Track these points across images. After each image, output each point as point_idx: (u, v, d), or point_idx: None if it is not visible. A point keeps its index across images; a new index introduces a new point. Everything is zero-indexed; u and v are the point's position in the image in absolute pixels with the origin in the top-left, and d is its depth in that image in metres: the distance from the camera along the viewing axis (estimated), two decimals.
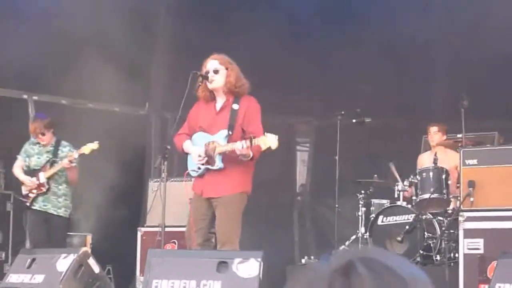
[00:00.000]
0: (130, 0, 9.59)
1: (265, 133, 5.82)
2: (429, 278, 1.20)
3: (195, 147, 6.25)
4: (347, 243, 8.68)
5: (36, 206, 7.87)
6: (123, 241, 9.03)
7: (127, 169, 9.46)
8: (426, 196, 7.95)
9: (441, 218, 8.02)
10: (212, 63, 6.23)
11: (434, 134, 8.76)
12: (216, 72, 6.21)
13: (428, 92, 10.32)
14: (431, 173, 8.08)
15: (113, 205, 9.28)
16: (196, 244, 6.16)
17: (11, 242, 8.97)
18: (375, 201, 8.70)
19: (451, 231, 7.71)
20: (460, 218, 6.71)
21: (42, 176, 7.86)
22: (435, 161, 8.09)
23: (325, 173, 9.67)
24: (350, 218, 8.88)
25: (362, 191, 8.74)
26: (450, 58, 10.08)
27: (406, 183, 8.34)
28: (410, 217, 8.02)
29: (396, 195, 8.41)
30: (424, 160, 8.76)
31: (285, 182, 10.85)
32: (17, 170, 8.02)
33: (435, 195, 7.92)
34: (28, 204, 7.89)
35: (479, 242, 6.53)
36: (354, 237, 8.66)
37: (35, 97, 9.80)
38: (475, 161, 6.75)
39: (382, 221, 8.22)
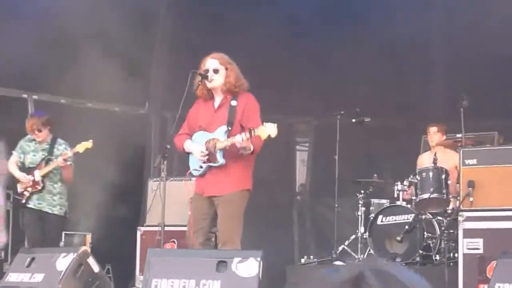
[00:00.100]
0: (130, 0, 9.59)
1: (264, 123, 5.83)
2: (430, 280, 1.21)
3: (196, 145, 6.26)
4: (346, 242, 8.68)
5: (31, 204, 7.85)
6: (123, 241, 9.03)
7: (126, 169, 9.46)
8: (426, 196, 7.95)
9: (440, 218, 8.03)
10: (211, 62, 6.23)
11: (434, 134, 8.76)
12: (216, 71, 6.21)
13: (428, 92, 10.33)
14: (430, 173, 8.08)
15: (112, 204, 9.28)
16: (197, 243, 6.15)
17: (11, 241, 8.96)
18: (374, 200, 8.71)
19: (451, 231, 7.71)
20: (460, 218, 6.71)
21: (37, 174, 7.85)
22: (434, 161, 8.09)
23: (325, 172, 9.68)
24: (350, 217, 8.88)
25: (362, 191, 8.74)
26: (449, 58, 10.09)
27: (405, 183, 8.34)
28: (409, 217, 8.02)
29: (395, 195, 8.41)
30: (424, 160, 8.76)
31: (285, 182, 10.85)
32: (12, 166, 7.97)
33: (434, 195, 7.92)
34: (23, 202, 7.88)
35: (479, 242, 6.53)
36: (353, 236, 8.66)
37: (35, 97, 9.80)
38: (474, 161, 6.75)
39: (382, 221, 8.23)
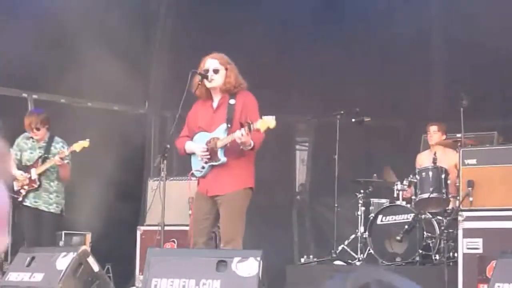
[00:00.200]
0: (130, 0, 9.60)
1: (262, 116, 5.85)
2: (429, 280, 1.22)
3: (196, 144, 6.27)
4: (346, 242, 8.68)
5: (27, 203, 7.85)
6: (123, 240, 9.04)
7: (126, 168, 9.46)
8: (425, 195, 7.95)
9: (440, 218, 8.03)
10: (212, 62, 6.24)
11: (434, 134, 8.76)
12: (216, 71, 6.21)
13: (428, 92, 10.33)
14: (430, 173, 8.08)
15: (112, 204, 9.28)
16: (200, 243, 6.16)
17: (11, 240, 8.96)
18: (374, 200, 8.71)
19: (450, 230, 7.72)
20: (459, 218, 6.71)
21: (34, 172, 7.85)
22: (434, 160, 8.09)
23: (324, 172, 9.68)
24: (350, 217, 8.89)
25: (362, 191, 8.75)
26: (449, 58, 10.09)
27: (405, 182, 8.34)
28: (409, 217, 8.03)
29: (395, 195, 8.41)
30: (423, 160, 8.76)
31: (284, 182, 10.85)
32: None
33: (434, 195, 7.92)
34: (19, 200, 7.87)
35: (478, 242, 6.53)
36: (353, 236, 8.67)
37: (34, 96, 9.80)
38: (474, 161, 6.75)
39: (382, 221, 8.23)
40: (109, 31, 8.99)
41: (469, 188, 6.67)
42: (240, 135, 5.88)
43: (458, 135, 7.85)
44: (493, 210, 6.57)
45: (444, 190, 7.96)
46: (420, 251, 7.83)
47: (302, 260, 9.02)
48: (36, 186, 7.83)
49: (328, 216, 9.58)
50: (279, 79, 10.07)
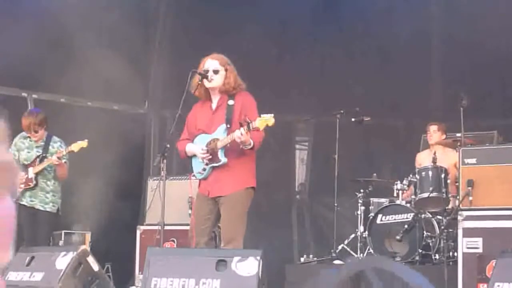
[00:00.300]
0: None
1: (260, 115, 5.85)
2: (429, 280, 1.21)
3: (197, 145, 6.27)
4: (346, 242, 8.68)
5: (23, 201, 7.84)
6: (122, 240, 9.04)
7: (126, 168, 9.46)
8: (425, 195, 7.95)
9: (440, 217, 8.03)
10: (212, 63, 6.24)
11: (434, 133, 8.76)
12: (216, 72, 6.22)
13: (427, 91, 10.33)
14: (430, 172, 8.08)
15: (112, 203, 9.28)
16: (201, 243, 6.16)
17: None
18: (374, 200, 8.71)
19: (450, 230, 7.72)
20: (459, 217, 6.71)
21: (31, 171, 7.84)
22: (434, 160, 8.09)
23: (324, 172, 9.68)
24: (349, 217, 8.89)
25: (361, 190, 8.74)
26: (449, 57, 10.09)
27: (405, 182, 8.34)
28: (409, 216, 8.03)
29: (395, 194, 8.41)
30: (423, 159, 8.76)
31: (284, 181, 10.85)
32: None
33: (434, 194, 7.92)
34: (16, 199, 7.86)
35: (478, 241, 6.54)
36: (353, 236, 8.66)
37: (34, 95, 9.79)
38: (474, 160, 6.76)
39: (381, 220, 8.23)
40: (109, 30, 9.00)
41: (469, 188, 6.67)
42: (239, 134, 5.88)
43: (458, 135, 7.85)
44: (493, 210, 6.57)
45: (444, 190, 7.96)
46: (420, 251, 7.83)
47: (302, 259, 9.02)
48: (32, 185, 7.82)
49: (328, 215, 9.58)
50: (279, 78, 10.06)
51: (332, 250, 8.50)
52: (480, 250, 6.50)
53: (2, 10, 9.08)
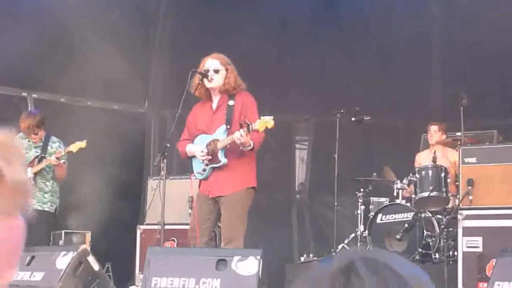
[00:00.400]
0: None
1: (260, 117, 5.86)
2: (430, 277, 1.20)
3: (197, 146, 6.27)
4: (346, 241, 8.68)
5: None
6: (123, 239, 9.04)
7: (126, 167, 9.46)
8: (425, 194, 7.95)
9: (440, 216, 8.03)
10: (212, 63, 6.25)
11: (435, 133, 8.77)
12: (216, 71, 6.22)
13: (427, 91, 10.34)
14: (430, 172, 8.08)
15: (112, 203, 9.28)
16: (202, 242, 6.16)
17: None
18: (374, 199, 8.71)
19: (450, 229, 7.72)
20: (459, 216, 6.72)
21: (29, 172, 7.83)
22: (434, 159, 8.10)
23: (324, 171, 9.68)
24: (349, 216, 8.89)
25: (361, 189, 8.74)
26: (449, 56, 10.09)
27: (405, 181, 8.34)
28: (409, 215, 8.03)
29: (395, 193, 8.42)
30: (423, 159, 8.77)
31: (284, 181, 10.85)
32: None
33: (434, 193, 7.93)
34: None
35: (478, 240, 6.54)
36: (353, 235, 8.66)
37: (34, 95, 9.80)
38: (474, 160, 6.76)
39: (381, 219, 8.23)
40: (109, 30, 8.99)
41: (469, 187, 6.67)
42: (239, 135, 5.90)
43: (458, 134, 7.85)
44: (493, 209, 6.58)
45: (444, 189, 7.96)
46: (420, 250, 7.83)
47: (302, 259, 9.03)
48: None
49: (328, 215, 9.58)
50: (279, 78, 10.06)
51: (332, 250, 8.50)
52: (480, 249, 6.51)
53: (2, 10, 9.08)
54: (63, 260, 6.30)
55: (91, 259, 6.41)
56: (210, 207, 6.23)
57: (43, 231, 7.93)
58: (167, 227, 6.90)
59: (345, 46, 10.05)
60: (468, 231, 6.62)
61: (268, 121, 5.80)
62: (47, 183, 7.90)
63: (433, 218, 8.01)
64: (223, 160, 6.15)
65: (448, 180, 8.00)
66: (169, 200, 6.70)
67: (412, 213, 7.99)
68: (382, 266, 1.15)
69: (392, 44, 9.88)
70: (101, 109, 10.21)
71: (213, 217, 6.25)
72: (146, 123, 10.77)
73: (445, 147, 8.59)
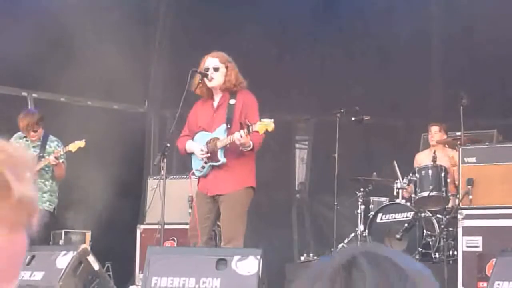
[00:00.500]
0: None
1: (261, 119, 5.87)
2: (428, 269, 1.21)
3: (196, 143, 6.28)
4: (346, 240, 8.69)
5: None
6: (123, 239, 9.04)
7: (126, 167, 9.46)
8: (425, 194, 7.96)
9: (440, 216, 8.03)
10: (211, 61, 6.25)
11: (435, 133, 8.77)
12: (216, 70, 6.23)
13: (427, 90, 10.34)
14: (430, 171, 8.09)
15: (112, 202, 9.28)
16: (202, 241, 6.17)
17: None
18: (374, 199, 8.71)
19: (450, 228, 7.72)
20: (459, 216, 6.72)
21: None
22: (434, 159, 8.10)
23: (324, 171, 9.68)
24: (349, 216, 8.89)
25: (361, 189, 8.75)
26: (449, 56, 10.10)
27: (405, 181, 8.35)
28: (409, 215, 8.03)
29: (395, 193, 8.42)
30: (423, 159, 8.77)
31: (284, 180, 10.85)
32: None
33: (434, 193, 7.93)
34: None
35: (478, 240, 6.54)
36: (353, 234, 8.66)
37: (34, 95, 9.80)
38: (474, 159, 6.77)
39: (381, 219, 8.24)
40: (109, 30, 8.99)
41: (469, 186, 6.68)
42: (239, 136, 5.91)
43: (458, 134, 7.86)
44: (493, 208, 6.58)
45: (443, 189, 7.97)
46: (420, 250, 7.83)
47: (302, 258, 9.03)
48: None
49: (327, 214, 9.58)
50: (279, 78, 10.07)
51: (332, 249, 8.50)
52: (480, 249, 6.51)
53: (2, 10, 9.09)
54: (63, 260, 6.31)
55: (91, 258, 6.41)
56: (210, 206, 6.23)
57: (41, 230, 7.91)
58: (167, 226, 6.90)
59: (345, 46, 10.05)
60: (468, 231, 6.62)
61: (268, 124, 5.81)
62: (46, 182, 7.89)
63: (433, 217, 8.02)
64: (222, 159, 6.15)
65: (448, 180, 8.00)
66: (169, 200, 6.70)
67: (412, 213, 7.99)
68: (383, 259, 1.16)
69: (392, 44, 9.88)
70: (101, 109, 10.21)
71: (212, 216, 6.26)
72: (146, 123, 10.77)
73: (445, 147, 8.59)
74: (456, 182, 7.49)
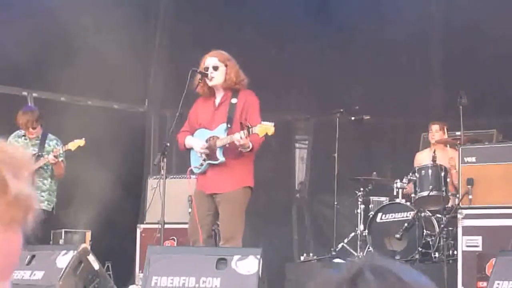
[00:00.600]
0: None
1: (261, 122, 5.88)
2: (432, 282, 1.23)
3: (196, 139, 6.28)
4: (346, 240, 8.69)
5: None
6: (123, 238, 9.05)
7: (126, 166, 9.47)
8: (425, 193, 7.97)
9: (439, 216, 8.04)
10: (211, 60, 6.26)
11: (436, 132, 8.77)
12: (215, 69, 6.23)
13: (427, 90, 10.34)
14: (429, 171, 8.09)
15: (112, 202, 9.28)
16: (201, 240, 6.17)
17: None
18: (374, 198, 8.72)
19: (450, 228, 7.73)
20: (459, 216, 6.73)
21: None
22: (434, 158, 8.11)
23: (324, 170, 9.69)
24: (349, 215, 8.90)
25: (361, 189, 8.75)
26: (448, 56, 10.10)
27: (405, 180, 8.35)
28: (409, 215, 8.04)
29: (395, 193, 8.42)
30: (423, 158, 8.77)
31: (284, 180, 10.86)
32: None
33: (433, 193, 7.94)
34: None
35: (478, 240, 6.55)
36: (353, 234, 8.67)
37: (34, 94, 9.80)
38: (473, 159, 6.77)
39: (381, 219, 8.24)
40: (109, 30, 9.00)
41: (469, 186, 6.68)
42: (239, 138, 5.92)
43: (458, 133, 7.86)
44: (493, 208, 6.59)
45: (443, 188, 7.97)
46: (420, 249, 7.83)
47: (302, 258, 9.03)
48: None
49: (327, 214, 9.59)
50: (279, 77, 10.08)
51: (332, 249, 8.51)
52: (479, 249, 6.52)
53: (2, 9, 9.09)
54: (63, 259, 6.31)
55: (91, 258, 6.42)
56: (208, 204, 6.24)
57: (41, 230, 7.91)
58: (167, 226, 6.90)
59: (344, 46, 10.05)
60: (468, 230, 6.63)
61: (269, 128, 5.81)
62: (45, 181, 7.89)
63: (432, 217, 8.02)
64: (221, 158, 6.16)
65: (448, 180, 8.01)
66: (169, 199, 6.70)
67: (412, 212, 7.99)
68: (387, 272, 1.18)
69: (392, 44, 9.88)
70: (101, 108, 10.21)
71: (211, 215, 6.26)
72: (146, 123, 10.77)
73: (445, 146, 8.60)
74: (456, 184, 7.49)
